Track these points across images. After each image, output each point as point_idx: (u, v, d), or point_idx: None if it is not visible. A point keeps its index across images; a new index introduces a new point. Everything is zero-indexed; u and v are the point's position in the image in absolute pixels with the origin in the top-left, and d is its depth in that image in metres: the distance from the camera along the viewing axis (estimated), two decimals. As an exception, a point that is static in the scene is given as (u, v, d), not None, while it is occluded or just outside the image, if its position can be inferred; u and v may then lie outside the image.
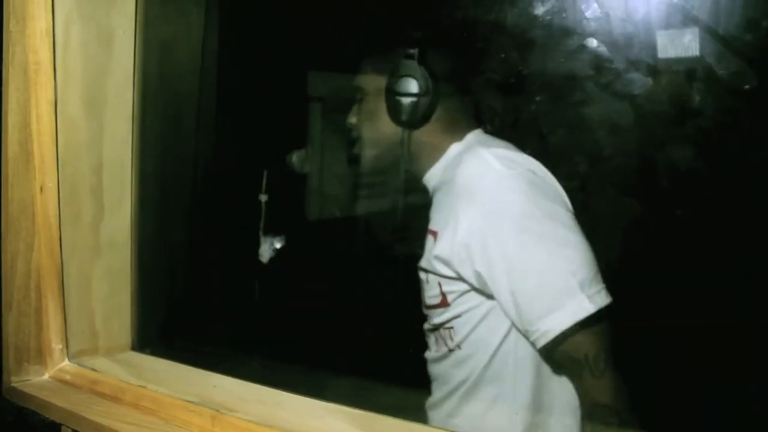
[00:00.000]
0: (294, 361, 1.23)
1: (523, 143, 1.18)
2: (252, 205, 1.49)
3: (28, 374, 1.13)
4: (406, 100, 1.16)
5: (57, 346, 1.15)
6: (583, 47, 1.12)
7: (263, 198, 1.51)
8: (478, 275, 1.10)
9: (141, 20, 1.22)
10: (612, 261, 1.12)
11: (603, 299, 1.04)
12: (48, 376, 1.15)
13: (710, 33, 0.93)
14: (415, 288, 1.25)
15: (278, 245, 1.49)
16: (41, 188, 1.13)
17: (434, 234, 1.17)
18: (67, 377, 1.13)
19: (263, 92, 1.65)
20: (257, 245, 1.48)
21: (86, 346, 1.18)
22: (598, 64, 1.12)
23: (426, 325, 1.25)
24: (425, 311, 1.24)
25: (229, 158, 1.60)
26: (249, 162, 1.60)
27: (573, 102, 1.22)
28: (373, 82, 1.26)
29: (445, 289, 1.17)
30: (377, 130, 1.26)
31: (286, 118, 1.72)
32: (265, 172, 1.52)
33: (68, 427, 1.03)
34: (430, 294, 1.20)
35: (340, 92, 1.83)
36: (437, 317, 1.20)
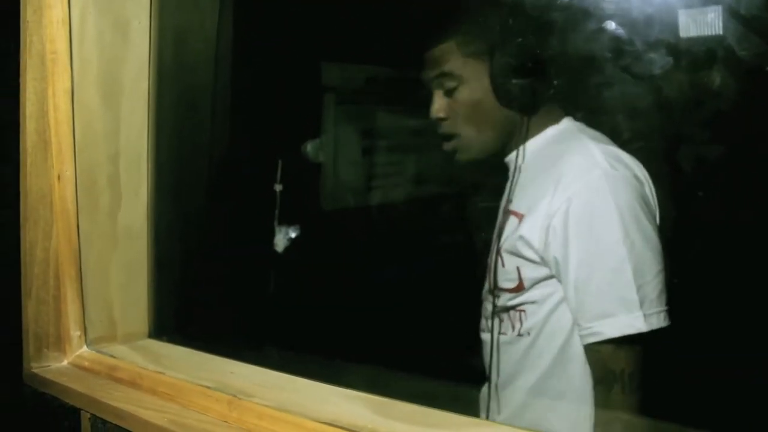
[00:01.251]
0: (310, 350, 1.23)
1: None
2: (267, 195, 1.50)
3: (48, 360, 1.14)
4: (524, 82, 1.13)
5: (75, 333, 1.16)
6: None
7: (278, 188, 1.51)
8: (555, 261, 1.10)
9: (156, 10, 1.22)
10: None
11: (658, 322, 1.04)
12: (67, 362, 1.16)
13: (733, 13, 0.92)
14: (431, 276, 1.25)
15: (293, 235, 1.50)
16: (59, 177, 1.14)
17: (518, 216, 1.16)
18: (86, 363, 1.14)
19: (278, 81, 1.65)
20: (272, 235, 1.48)
21: (104, 333, 1.19)
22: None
23: (489, 307, 1.21)
24: (492, 293, 1.21)
25: (244, 147, 1.60)
26: (264, 151, 1.60)
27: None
28: (470, 66, 1.18)
29: (524, 274, 1.15)
30: (484, 119, 1.20)
31: (301, 108, 1.72)
32: (280, 162, 1.52)
33: (87, 412, 1.04)
34: (506, 277, 1.17)
35: (355, 82, 1.84)
36: (509, 300, 1.17)
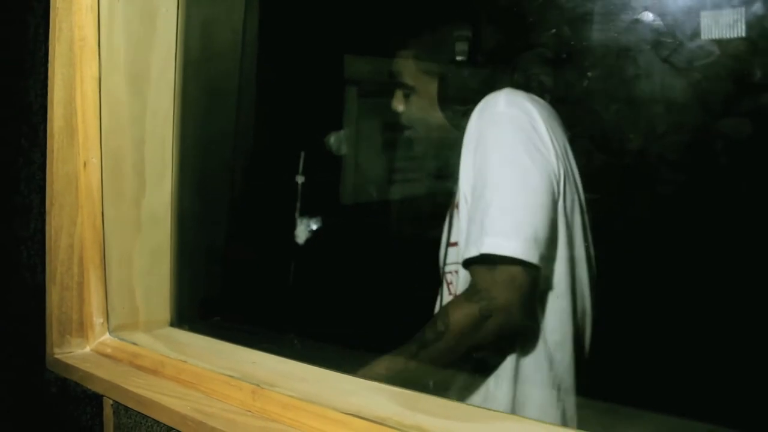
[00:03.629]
0: (330, 340, 1.22)
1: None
2: (289, 186, 1.49)
3: (71, 346, 1.15)
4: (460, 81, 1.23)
5: (98, 319, 1.16)
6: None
7: (300, 179, 1.51)
8: (465, 197, 1.15)
9: (183, -2, 1.22)
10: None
11: (497, 248, 1.04)
12: (89, 348, 1.16)
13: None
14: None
15: (314, 226, 1.49)
16: (85, 163, 1.14)
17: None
18: (108, 350, 1.14)
19: (302, 73, 1.65)
20: (294, 225, 1.48)
21: (126, 320, 1.19)
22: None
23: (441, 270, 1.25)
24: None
25: (267, 138, 1.60)
26: (287, 142, 1.60)
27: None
28: (418, 67, 1.29)
29: (455, 225, 1.18)
30: (432, 114, 1.29)
31: (325, 100, 1.71)
32: (303, 154, 1.51)
33: (110, 398, 1.04)
34: (449, 230, 1.22)
35: (378, 75, 1.83)
36: (448, 257, 1.20)
